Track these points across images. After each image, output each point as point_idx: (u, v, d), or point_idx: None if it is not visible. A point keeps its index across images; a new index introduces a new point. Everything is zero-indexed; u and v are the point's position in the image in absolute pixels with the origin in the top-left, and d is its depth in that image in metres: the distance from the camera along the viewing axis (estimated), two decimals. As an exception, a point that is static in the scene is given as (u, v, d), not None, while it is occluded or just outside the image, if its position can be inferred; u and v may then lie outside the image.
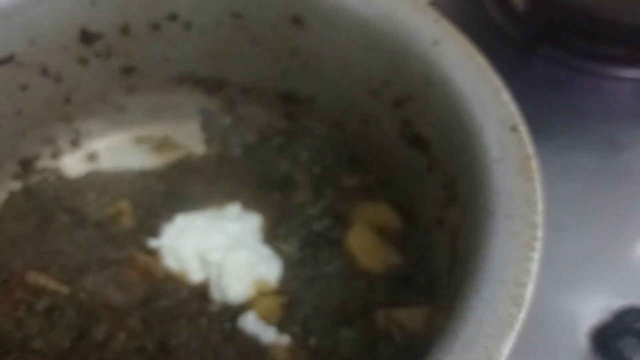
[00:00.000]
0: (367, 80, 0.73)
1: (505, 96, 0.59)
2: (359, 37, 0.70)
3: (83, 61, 0.77)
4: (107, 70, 0.80)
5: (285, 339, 0.66)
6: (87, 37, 0.76)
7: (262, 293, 0.70)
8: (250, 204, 0.78)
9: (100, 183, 0.80)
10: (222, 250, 0.72)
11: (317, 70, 0.78)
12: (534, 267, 0.50)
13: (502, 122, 0.58)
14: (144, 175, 0.81)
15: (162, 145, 0.86)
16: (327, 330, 0.67)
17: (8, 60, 0.72)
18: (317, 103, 0.82)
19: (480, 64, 0.62)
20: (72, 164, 0.83)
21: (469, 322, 0.47)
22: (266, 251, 0.73)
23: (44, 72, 0.76)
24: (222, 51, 0.80)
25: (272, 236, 0.75)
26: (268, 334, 0.67)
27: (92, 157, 0.84)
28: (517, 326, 0.47)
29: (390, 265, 0.72)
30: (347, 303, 0.69)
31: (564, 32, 0.98)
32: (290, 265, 0.72)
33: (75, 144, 0.84)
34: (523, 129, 0.57)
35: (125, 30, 0.76)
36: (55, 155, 0.83)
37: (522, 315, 0.47)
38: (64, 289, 0.68)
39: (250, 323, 0.67)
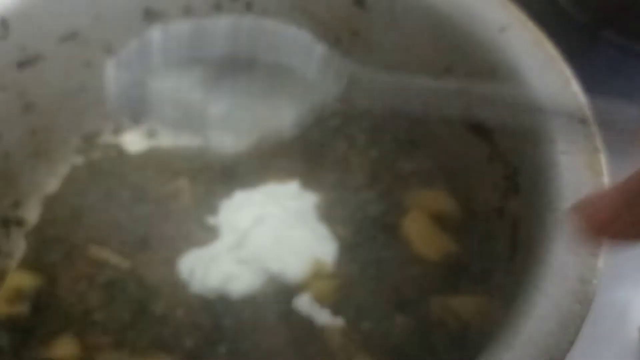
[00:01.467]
0: (430, 65, 0.72)
1: (575, 87, 0.57)
2: (422, 20, 0.69)
3: (146, 39, 0.78)
4: (169, 48, 0.80)
5: (339, 322, 0.67)
6: (150, 15, 0.76)
7: (318, 274, 0.70)
8: (305, 184, 0.78)
9: (160, 160, 0.81)
10: (279, 227, 0.72)
11: (377, 52, 0.77)
12: (599, 264, 0.49)
13: (570, 113, 0.56)
14: (201, 153, 0.82)
15: (219, 124, 0.87)
16: (381, 316, 0.67)
17: (73, 36, 0.74)
18: (377, 86, 0.80)
19: (550, 52, 0.61)
20: (133, 140, 0.84)
21: (531, 317, 0.46)
22: (323, 231, 0.73)
23: (108, 49, 0.77)
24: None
25: (327, 218, 0.75)
26: (322, 316, 0.67)
27: (151, 133, 0.85)
28: (580, 324, 0.46)
29: (446, 252, 0.71)
30: (401, 289, 0.69)
31: (630, 17, 0.95)
32: (346, 249, 0.72)
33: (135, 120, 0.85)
34: (592, 121, 0.56)
35: (188, 9, 0.76)
36: (117, 131, 0.84)
37: (585, 313, 0.46)
38: (125, 263, 0.70)
39: (305, 304, 0.67)
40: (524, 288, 0.50)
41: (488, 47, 0.63)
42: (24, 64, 0.71)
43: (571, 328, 0.45)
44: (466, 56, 0.67)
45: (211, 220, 0.75)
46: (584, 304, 0.46)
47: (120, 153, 0.83)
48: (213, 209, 0.75)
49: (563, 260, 0.48)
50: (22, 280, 0.69)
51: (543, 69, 0.60)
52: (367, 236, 0.73)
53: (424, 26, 0.68)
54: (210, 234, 0.74)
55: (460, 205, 0.74)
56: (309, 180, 0.79)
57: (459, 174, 0.75)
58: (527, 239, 0.56)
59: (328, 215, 0.75)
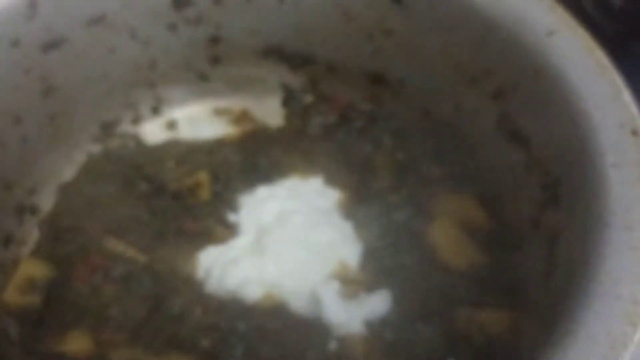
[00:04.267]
0: (467, 67, 0.70)
1: (627, 97, 0.55)
2: (463, 21, 0.66)
3: (172, 27, 0.76)
4: (194, 38, 0.78)
5: (361, 330, 0.64)
6: (179, 3, 0.74)
7: (342, 277, 0.67)
8: (328, 183, 0.76)
9: (179, 152, 0.78)
10: (303, 225, 0.70)
11: (411, 52, 0.74)
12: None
13: (621, 124, 0.53)
14: (221, 146, 0.80)
15: (241, 118, 0.84)
16: (405, 325, 0.65)
17: (100, 19, 0.71)
18: (407, 87, 0.78)
19: (600, 60, 0.58)
20: (152, 131, 0.82)
21: (579, 338, 0.44)
22: (349, 231, 0.70)
23: (133, 35, 0.75)
24: (313, 26, 0.77)
25: (351, 218, 0.72)
26: (343, 321, 0.64)
27: (171, 125, 0.83)
28: (631, 347, 0.43)
29: (473, 262, 0.68)
30: (426, 298, 0.66)
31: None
32: (369, 252, 0.70)
33: (156, 111, 0.83)
34: (645, 133, 0.53)
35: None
36: (136, 120, 0.82)
37: (637, 336, 0.43)
38: (141, 257, 0.68)
39: (331, 304, 0.65)
40: (566, 306, 0.48)
41: (533, 51, 0.60)
42: (49, 46, 0.68)
43: (622, 352, 0.42)
44: (508, 60, 0.64)
45: (231, 216, 0.72)
46: (636, 327, 0.43)
47: (138, 143, 0.81)
48: (233, 205, 0.73)
49: (615, 279, 0.45)
50: (35, 269, 0.67)
51: (592, 77, 0.57)
52: (392, 241, 0.71)
53: (465, 28, 0.65)
54: (229, 230, 0.71)
55: (491, 215, 0.71)
56: (332, 179, 0.76)
57: (489, 181, 0.72)
58: (569, 255, 0.54)
59: (352, 216, 0.73)
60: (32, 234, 0.72)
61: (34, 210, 0.73)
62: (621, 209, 0.49)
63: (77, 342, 0.61)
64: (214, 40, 0.79)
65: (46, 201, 0.74)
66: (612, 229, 0.48)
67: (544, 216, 0.61)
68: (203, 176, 0.75)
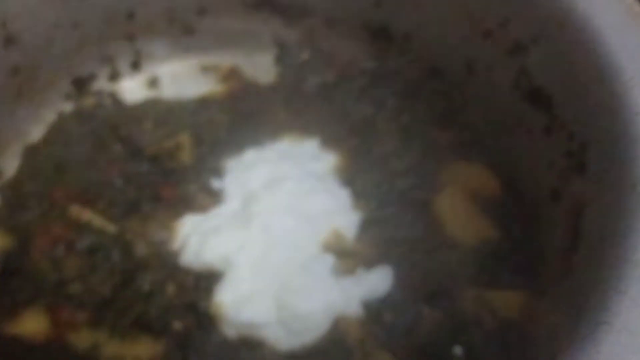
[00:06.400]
0: (480, 18, 0.62)
1: (666, 47, 0.47)
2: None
3: (152, -30, 0.68)
4: (177, -16, 0.71)
5: (357, 311, 0.57)
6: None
7: (337, 250, 0.60)
8: (324, 147, 0.69)
9: (160, 112, 0.71)
10: (295, 191, 0.62)
11: (418, 2, 0.66)
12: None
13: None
14: (207, 106, 0.72)
15: (229, 76, 0.77)
16: (406, 306, 0.58)
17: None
18: (413, 42, 0.71)
19: (632, 7, 0.51)
20: (131, 88, 0.75)
21: (615, 328, 0.36)
22: (346, 199, 0.63)
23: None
24: (310, -28, 0.70)
25: (349, 186, 0.65)
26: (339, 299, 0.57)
27: (153, 82, 0.76)
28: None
29: (484, 237, 0.61)
30: (430, 277, 0.59)
31: None
32: (368, 223, 0.62)
33: (135, 66, 0.75)
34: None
35: None
36: (114, 77, 0.75)
37: (684, 328, 0.36)
38: (111, 228, 0.61)
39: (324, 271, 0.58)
40: (594, 290, 0.40)
41: (557, -3, 0.52)
42: (5, -13, 0.61)
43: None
44: (528, 8, 0.57)
45: (215, 182, 0.65)
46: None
47: (115, 102, 0.73)
48: (218, 170, 0.66)
49: (657, 258, 0.38)
50: (-9, 240, 0.60)
51: (623, 26, 0.50)
52: (394, 212, 0.63)
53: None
54: (213, 198, 0.64)
55: (504, 184, 0.64)
56: (329, 142, 0.69)
57: (503, 147, 0.64)
58: (597, 230, 0.46)
59: (350, 183, 0.65)
60: (-9, 200, 0.65)
61: (-6, 174, 0.66)
62: (662, 175, 0.41)
63: (32, 322, 0.54)
64: (200, -13, 0.71)
65: (9, 164, 0.67)
66: (653, 199, 0.40)
67: (567, 186, 0.54)
68: (185, 138, 0.68)
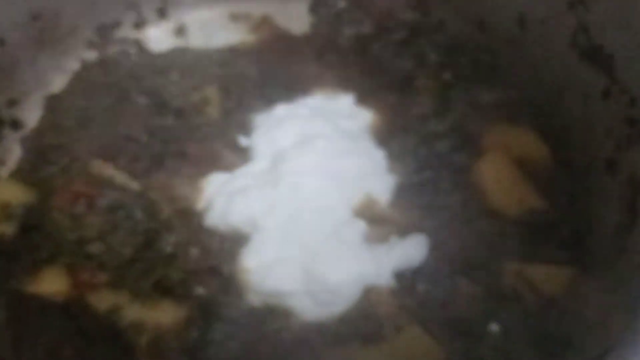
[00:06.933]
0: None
1: None
2: None
3: None
4: None
5: (389, 282, 0.54)
6: None
7: (369, 215, 0.57)
8: (359, 104, 0.65)
9: (187, 63, 0.68)
10: (328, 150, 0.59)
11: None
12: None
13: None
14: (236, 56, 0.69)
15: (261, 25, 0.73)
16: (441, 278, 0.54)
17: None
18: (460, -9, 0.66)
19: None
20: (157, 37, 0.71)
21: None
22: (381, 161, 0.60)
23: None
24: None
25: (385, 147, 0.61)
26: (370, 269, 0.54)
27: (179, 30, 0.72)
28: None
29: (529, 208, 0.57)
30: (468, 248, 0.56)
31: None
32: (404, 188, 0.59)
33: (162, 13, 0.72)
34: None
35: None
36: (139, 24, 0.71)
37: None
38: (133, 185, 0.58)
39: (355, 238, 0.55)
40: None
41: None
42: None
43: None
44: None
45: (243, 139, 0.62)
46: None
47: (140, 51, 0.70)
48: (246, 126, 0.63)
49: None
50: (12, 193, 0.58)
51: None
52: (431, 177, 0.60)
53: None
54: (240, 155, 0.61)
55: (554, 151, 0.59)
56: (364, 99, 0.65)
57: (556, 111, 0.60)
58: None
59: (385, 143, 0.61)
60: (13, 152, 0.63)
61: (15, 124, 0.64)
62: None
63: (52, 281, 0.53)
64: None
65: (30, 115, 0.65)
66: None
67: (626, 156, 0.50)
68: (212, 91, 0.65)
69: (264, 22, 0.73)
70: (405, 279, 0.54)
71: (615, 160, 0.51)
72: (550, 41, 0.59)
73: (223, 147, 0.62)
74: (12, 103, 0.64)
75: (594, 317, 0.46)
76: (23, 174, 0.60)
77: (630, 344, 0.35)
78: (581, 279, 0.52)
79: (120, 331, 0.51)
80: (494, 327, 0.52)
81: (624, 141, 0.50)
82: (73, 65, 0.68)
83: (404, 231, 0.56)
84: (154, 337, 0.50)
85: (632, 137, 0.49)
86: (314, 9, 0.73)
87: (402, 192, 0.59)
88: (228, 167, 0.60)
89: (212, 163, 0.60)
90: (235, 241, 0.55)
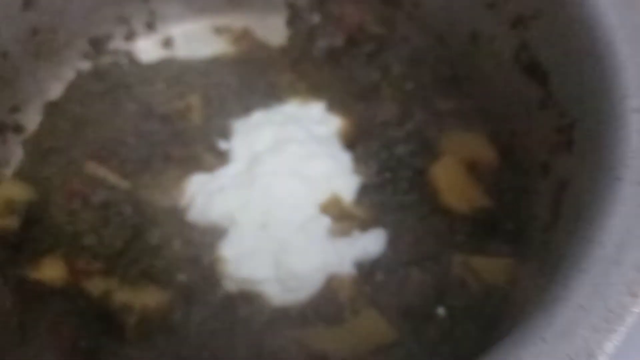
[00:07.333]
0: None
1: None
2: None
3: None
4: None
5: (350, 271, 0.60)
6: None
7: (334, 211, 0.63)
8: (330, 111, 0.71)
9: (173, 72, 0.74)
10: (299, 153, 0.65)
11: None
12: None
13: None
14: (218, 66, 0.75)
15: (241, 37, 0.79)
16: (396, 268, 0.61)
17: None
18: (421, 10, 0.72)
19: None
20: (146, 48, 0.77)
21: (569, 306, 0.39)
22: (347, 163, 0.66)
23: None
24: None
25: (351, 150, 0.67)
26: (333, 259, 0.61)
27: (167, 42, 0.78)
28: (630, 320, 0.38)
29: (477, 206, 0.63)
30: (422, 241, 0.62)
31: None
32: (366, 188, 0.65)
33: (150, 26, 0.78)
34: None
35: None
36: (129, 36, 0.77)
37: (637, 309, 0.39)
38: (124, 184, 0.64)
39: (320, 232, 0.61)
40: (565, 266, 0.43)
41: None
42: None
43: (617, 325, 0.38)
44: (530, -18, 0.57)
45: (223, 143, 0.68)
46: (636, 298, 0.38)
47: (131, 61, 0.76)
48: (226, 131, 0.69)
49: (618, 241, 0.40)
50: (15, 191, 0.64)
51: (622, 6, 0.50)
52: (391, 178, 0.66)
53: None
54: (220, 158, 0.67)
55: (500, 155, 0.65)
56: (335, 106, 0.71)
57: (502, 118, 0.66)
58: (575, 207, 0.48)
59: (352, 148, 0.68)
60: (15, 154, 0.69)
61: (17, 129, 0.70)
62: (637, 162, 0.43)
63: (52, 269, 0.59)
64: (213, -51, 0.72)
65: (31, 120, 0.71)
66: (623, 183, 0.43)
67: (555, 161, 0.56)
68: (195, 99, 0.71)
69: (245, 35, 0.78)
70: (365, 268, 0.61)
71: (548, 164, 0.57)
72: (498, 56, 0.64)
73: (204, 151, 0.67)
74: (15, 109, 0.70)
75: (522, 304, 0.52)
76: (25, 174, 0.66)
77: (542, 317, 0.40)
78: (519, 269, 0.59)
79: (111, 312, 0.57)
80: (441, 311, 0.58)
81: (554, 147, 0.55)
82: (69, 74, 0.73)
83: (364, 226, 0.63)
84: (141, 318, 0.56)
85: (560, 144, 0.54)
86: (291, 23, 0.78)
87: (364, 192, 0.65)
88: (208, 169, 0.66)
89: (194, 165, 0.66)
90: (214, 234, 0.61)
